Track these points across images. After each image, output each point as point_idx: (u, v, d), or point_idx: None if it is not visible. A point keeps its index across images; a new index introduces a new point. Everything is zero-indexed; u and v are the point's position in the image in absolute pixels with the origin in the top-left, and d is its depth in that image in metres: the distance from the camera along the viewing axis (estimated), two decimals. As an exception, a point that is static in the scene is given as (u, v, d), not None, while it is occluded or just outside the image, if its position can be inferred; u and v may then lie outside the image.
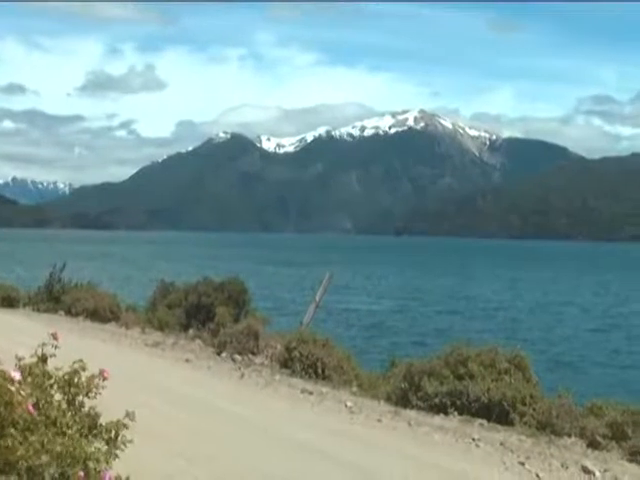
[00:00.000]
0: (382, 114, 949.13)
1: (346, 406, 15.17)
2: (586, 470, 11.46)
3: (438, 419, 14.10)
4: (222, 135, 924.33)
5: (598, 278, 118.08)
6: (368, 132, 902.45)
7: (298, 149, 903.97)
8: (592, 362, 42.87)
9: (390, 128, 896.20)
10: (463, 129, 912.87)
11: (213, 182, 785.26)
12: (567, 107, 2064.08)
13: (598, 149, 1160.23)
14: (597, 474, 11.35)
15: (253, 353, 20.64)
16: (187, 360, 20.21)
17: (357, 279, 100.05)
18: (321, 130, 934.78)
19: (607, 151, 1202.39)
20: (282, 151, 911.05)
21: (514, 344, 16.58)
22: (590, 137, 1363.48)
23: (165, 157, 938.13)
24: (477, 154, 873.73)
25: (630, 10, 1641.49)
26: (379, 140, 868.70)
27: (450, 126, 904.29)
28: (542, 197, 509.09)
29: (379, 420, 14.19)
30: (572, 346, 48.88)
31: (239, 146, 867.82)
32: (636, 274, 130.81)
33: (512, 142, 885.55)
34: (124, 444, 5.05)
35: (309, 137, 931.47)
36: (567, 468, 11.59)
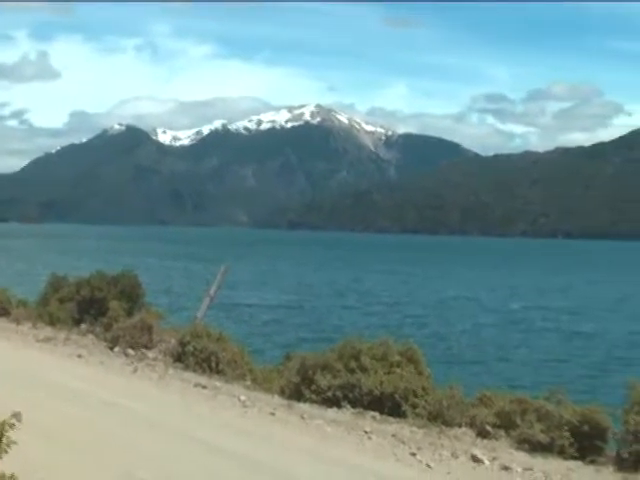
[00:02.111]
0: (278, 108, 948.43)
1: (239, 400, 15.15)
2: (475, 459, 11.71)
3: (331, 412, 14.20)
4: (117, 127, 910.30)
5: (492, 273, 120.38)
6: (264, 126, 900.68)
7: (194, 142, 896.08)
8: (485, 355, 43.77)
9: (286, 122, 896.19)
10: (359, 124, 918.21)
11: (108, 174, 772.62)
12: (461, 104, 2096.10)
13: (491, 146, 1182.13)
14: (486, 462, 11.61)
15: (147, 347, 20.42)
16: (79, 355, 19.87)
17: (252, 273, 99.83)
18: (217, 123, 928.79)
19: (500, 148, 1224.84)
20: (178, 144, 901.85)
21: (408, 338, 16.78)
22: (483, 134, 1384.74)
23: (59, 148, 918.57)
24: (373, 149, 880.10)
25: (523, 10, 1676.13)
26: (275, 134, 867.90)
27: (346, 121, 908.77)
28: (437, 192, 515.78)
29: (272, 414, 14.22)
30: (466, 340, 49.79)
31: (134, 138, 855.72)
32: (526, 270, 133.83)
33: (407, 138, 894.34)
34: (8, 446, 4.96)
35: (205, 130, 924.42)
36: (457, 457, 11.83)
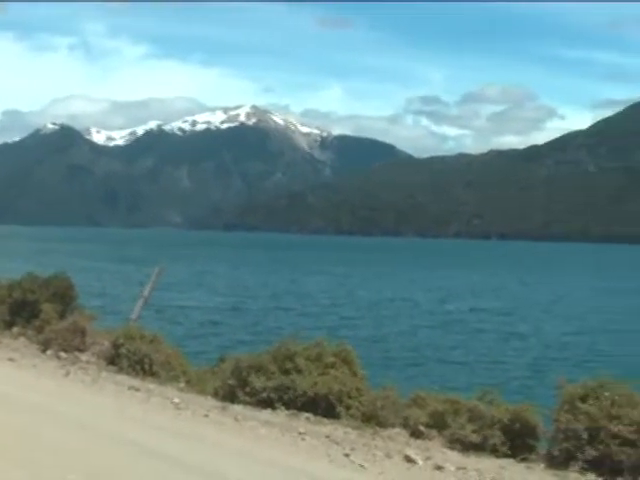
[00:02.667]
0: (214, 109, 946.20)
1: (173, 402, 15.06)
2: (409, 459, 11.79)
3: (265, 414, 14.18)
4: (50, 126, 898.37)
5: (427, 274, 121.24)
6: (199, 127, 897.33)
7: (129, 142, 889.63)
8: (421, 357, 44.02)
9: (222, 123, 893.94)
10: (294, 126, 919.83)
11: (40, 174, 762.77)
12: (396, 106, 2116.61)
13: (426, 148, 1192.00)
14: (419, 462, 11.69)
15: (79, 350, 20.19)
16: (11, 359, 19.55)
17: (187, 275, 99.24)
18: (152, 124, 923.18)
19: (434, 150, 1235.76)
20: (112, 144, 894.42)
21: (344, 339, 16.83)
22: (418, 136, 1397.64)
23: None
24: (308, 150, 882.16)
25: (458, 13, 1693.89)
26: (210, 135, 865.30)
27: (282, 122, 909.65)
28: (371, 194, 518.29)
29: (206, 416, 14.17)
30: (402, 341, 50.03)
31: (68, 138, 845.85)
32: (460, 271, 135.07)
33: (342, 139, 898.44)
34: None
35: (140, 130, 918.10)
36: (391, 458, 11.89)
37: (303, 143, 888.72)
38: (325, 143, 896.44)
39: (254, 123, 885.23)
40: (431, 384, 18.35)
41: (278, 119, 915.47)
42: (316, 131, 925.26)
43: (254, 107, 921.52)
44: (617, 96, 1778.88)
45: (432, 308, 71.53)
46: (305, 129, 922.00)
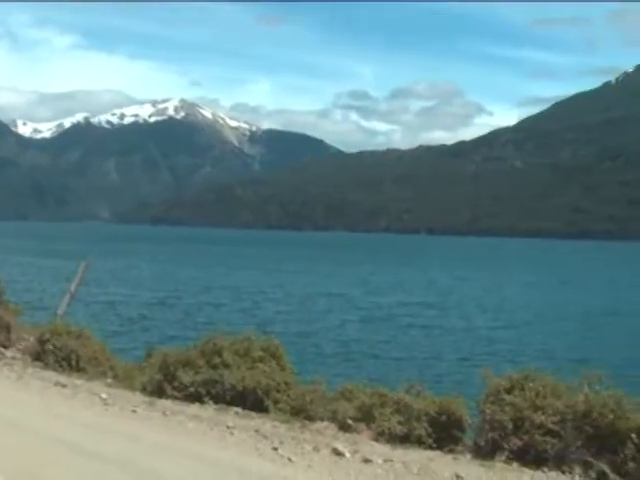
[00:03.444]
0: (142, 102, 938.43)
1: (100, 398, 14.91)
2: (337, 452, 11.83)
3: (194, 408, 14.13)
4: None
5: (358, 269, 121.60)
6: (128, 120, 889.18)
7: (55, 135, 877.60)
8: (353, 351, 44.17)
9: (150, 117, 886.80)
10: (223, 119, 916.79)
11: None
12: (325, 101, 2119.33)
13: (355, 143, 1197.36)
14: (347, 455, 11.74)
15: (4, 346, 19.89)
16: None
17: (115, 270, 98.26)
18: (79, 116, 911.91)
19: (363, 145, 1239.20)
20: (39, 136, 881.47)
21: (275, 334, 16.85)
22: (347, 131, 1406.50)
23: None
24: (237, 145, 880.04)
25: (387, 10, 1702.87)
26: (138, 129, 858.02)
27: (210, 116, 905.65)
28: (301, 188, 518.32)
29: (134, 411, 14.06)
30: (333, 336, 50.14)
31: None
32: (391, 266, 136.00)
33: (272, 134, 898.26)
34: None
35: (67, 123, 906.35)
36: (319, 451, 11.92)
37: (232, 137, 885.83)
38: (254, 137, 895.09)
39: (182, 117, 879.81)
40: (362, 379, 18.47)
41: (207, 113, 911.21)
42: (245, 125, 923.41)
43: (183, 101, 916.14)
44: (543, 93, 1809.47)
45: (363, 303, 71.75)
46: (234, 123, 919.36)
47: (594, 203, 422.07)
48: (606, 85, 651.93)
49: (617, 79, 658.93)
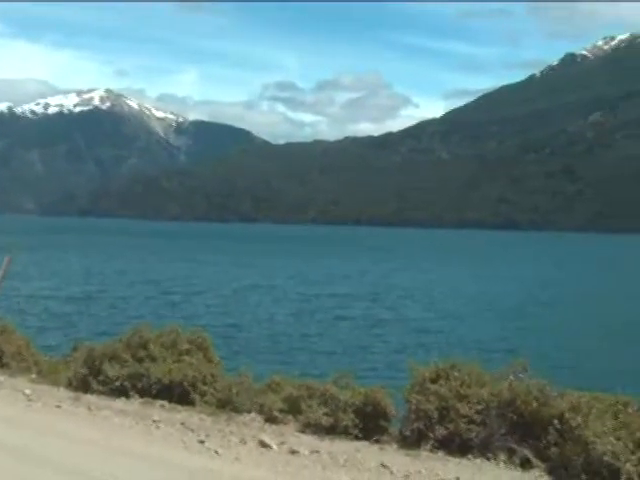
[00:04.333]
0: (66, 92, 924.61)
1: (24, 394, 14.70)
2: (263, 444, 11.84)
3: (119, 403, 14.01)
4: None
5: (287, 261, 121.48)
6: (52, 110, 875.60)
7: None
8: (283, 344, 44.15)
9: (75, 107, 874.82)
10: (149, 110, 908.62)
11: None
12: (252, 92, 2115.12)
13: (281, 134, 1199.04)
14: (274, 447, 11.75)
15: None
16: None
17: (41, 264, 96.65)
18: (2, 106, 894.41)
19: (290, 137, 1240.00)
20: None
21: (205, 327, 16.79)
22: (274, 122, 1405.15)
23: None
24: (163, 136, 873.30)
25: (313, 1, 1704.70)
26: (63, 119, 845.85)
27: (136, 107, 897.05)
28: (228, 180, 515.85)
29: (58, 406, 13.89)
30: (264, 328, 50.03)
31: None
32: (320, 257, 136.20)
33: (198, 125, 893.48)
34: None
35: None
36: (245, 443, 11.91)
37: (158, 128, 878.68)
38: (181, 128, 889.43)
39: (108, 107, 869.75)
40: (291, 371, 18.49)
41: (133, 103, 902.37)
42: (171, 116, 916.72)
43: (108, 91, 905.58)
44: (469, 86, 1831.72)
45: (293, 295, 71.80)
46: (160, 114, 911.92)
47: (519, 194, 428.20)
48: (531, 78, 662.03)
49: (542, 72, 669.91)
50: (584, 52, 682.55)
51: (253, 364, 16.43)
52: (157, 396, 14.11)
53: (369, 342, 45.81)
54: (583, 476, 10.80)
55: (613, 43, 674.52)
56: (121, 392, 14.37)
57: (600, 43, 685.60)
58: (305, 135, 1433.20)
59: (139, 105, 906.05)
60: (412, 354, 36.74)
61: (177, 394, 14.10)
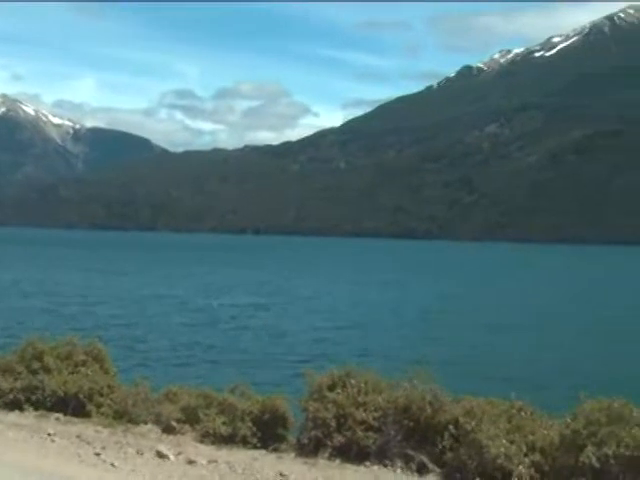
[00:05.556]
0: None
1: None
2: (161, 455, 11.77)
3: (13, 416, 13.76)
4: None
5: (187, 270, 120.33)
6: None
7: None
8: (184, 354, 43.76)
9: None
10: (46, 116, 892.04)
11: None
12: (151, 100, 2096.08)
13: (180, 142, 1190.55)
14: (171, 458, 11.70)
15: None
16: None
17: None
18: None
19: (189, 145, 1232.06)
20: None
21: (104, 339, 16.57)
22: (172, 130, 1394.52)
23: None
24: (60, 143, 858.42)
25: (211, 9, 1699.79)
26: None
27: (32, 113, 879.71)
28: (126, 188, 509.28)
29: (-51, 420, 13.56)
30: (166, 339, 49.48)
31: None
32: (219, 266, 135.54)
33: (96, 132, 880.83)
34: None
35: None
36: (142, 454, 11.83)
37: (55, 135, 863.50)
38: (78, 135, 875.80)
39: (3, 112, 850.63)
40: (192, 381, 18.36)
41: (28, 109, 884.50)
42: (69, 123, 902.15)
43: (3, 96, 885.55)
44: (367, 96, 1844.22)
45: (194, 305, 71.01)
46: (57, 120, 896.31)
47: (416, 203, 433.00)
48: (429, 89, 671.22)
49: (439, 83, 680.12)
50: (480, 65, 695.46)
51: (153, 375, 16.32)
52: (52, 409, 13.90)
53: (270, 352, 45.64)
54: (477, 479, 11.03)
55: (509, 56, 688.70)
56: (15, 405, 14.10)
57: (496, 56, 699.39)
58: (204, 143, 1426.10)
59: (35, 111, 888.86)
60: (311, 364, 36.99)
61: (73, 406, 13.91)
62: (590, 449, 10.62)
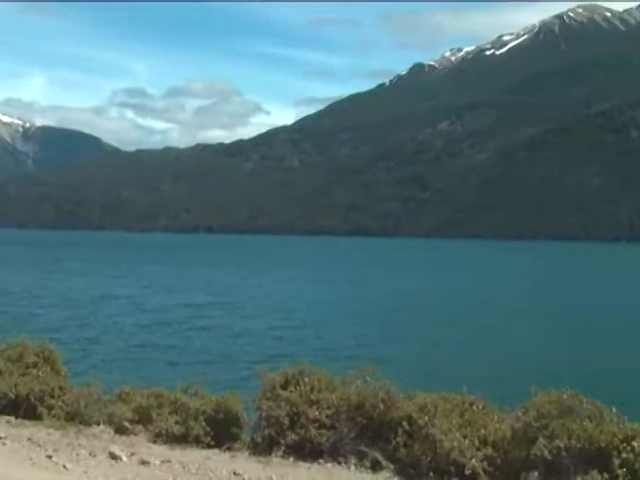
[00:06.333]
0: None
1: None
2: (114, 456, 11.70)
3: (-38, 420, 13.59)
4: None
5: (140, 269, 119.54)
6: None
7: None
8: (138, 355, 43.49)
9: None
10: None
11: None
12: (101, 98, 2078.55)
13: (131, 141, 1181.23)
14: (124, 459, 11.64)
15: None
16: None
17: None
18: None
19: (140, 143, 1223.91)
20: None
21: (57, 339, 16.44)
22: (123, 129, 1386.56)
23: None
24: (10, 141, 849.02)
25: (162, 7, 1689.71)
26: None
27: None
28: (76, 187, 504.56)
29: None
30: (119, 339, 49.23)
31: None
32: (174, 265, 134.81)
33: (46, 130, 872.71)
34: None
35: None
36: (95, 456, 11.76)
37: (4, 133, 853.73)
38: (27, 134, 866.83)
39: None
40: (144, 382, 18.26)
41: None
42: (18, 121, 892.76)
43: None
44: (319, 94, 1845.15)
45: (149, 305, 70.63)
46: (6, 119, 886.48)
47: (370, 201, 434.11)
48: (381, 87, 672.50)
49: (391, 81, 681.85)
50: (432, 62, 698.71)
51: (108, 376, 16.20)
52: (3, 412, 13.76)
53: (226, 352, 45.59)
54: (431, 474, 11.11)
55: (460, 54, 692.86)
56: (-36, 409, 13.93)
57: (447, 54, 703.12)
58: (155, 142, 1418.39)
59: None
60: (269, 363, 36.88)
61: (24, 409, 13.77)
62: (542, 442, 10.71)
